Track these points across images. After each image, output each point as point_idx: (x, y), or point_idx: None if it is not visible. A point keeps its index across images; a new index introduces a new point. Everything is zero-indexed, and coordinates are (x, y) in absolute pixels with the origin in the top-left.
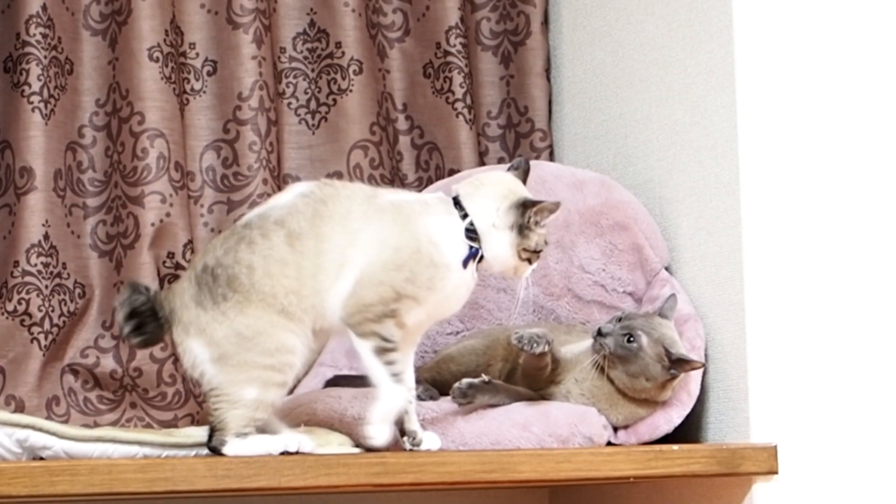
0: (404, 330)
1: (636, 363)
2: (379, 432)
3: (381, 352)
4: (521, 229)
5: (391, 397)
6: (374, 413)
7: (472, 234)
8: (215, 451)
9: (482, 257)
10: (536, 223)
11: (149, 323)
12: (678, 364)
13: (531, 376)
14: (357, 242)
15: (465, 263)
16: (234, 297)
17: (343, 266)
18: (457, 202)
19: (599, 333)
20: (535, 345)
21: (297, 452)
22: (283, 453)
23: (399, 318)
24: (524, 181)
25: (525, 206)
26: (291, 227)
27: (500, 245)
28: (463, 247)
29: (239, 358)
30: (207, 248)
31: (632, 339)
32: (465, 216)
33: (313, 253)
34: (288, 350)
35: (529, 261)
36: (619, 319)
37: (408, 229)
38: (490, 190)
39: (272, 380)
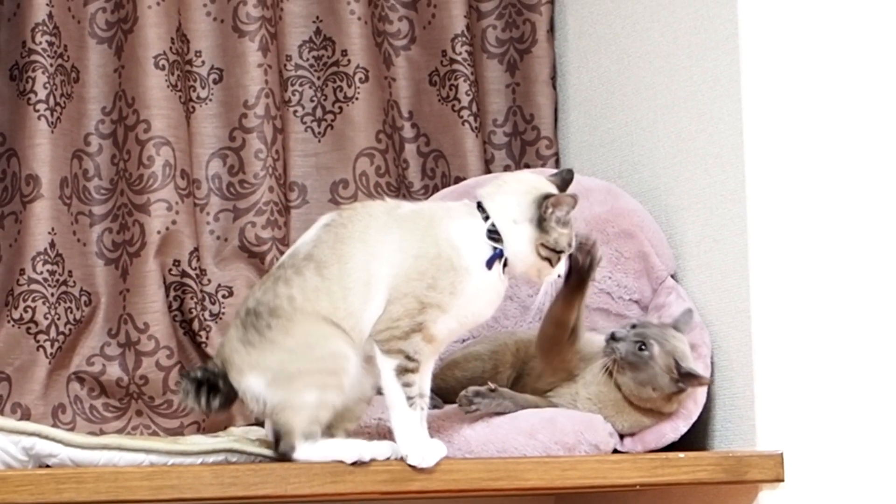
0: (433, 345)
1: (645, 371)
2: (420, 457)
3: (402, 372)
4: (540, 223)
5: (406, 420)
6: (401, 444)
7: (494, 234)
8: (285, 457)
9: (507, 260)
10: (558, 219)
11: (215, 388)
12: (686, 378)
13: (549, 338)
14: (380, 255)
15: (489, 265)
16: (278, 322)
17: (369, 283)
18: (480, 206)
19: (613, 337)
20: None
21: (371, 461)
22: (354, 463)
23: (426, 330)
24: (563, 189)
25: (545, 198)
26: (318, 257)
27: (519, 241)
28: (485, 248)
29: (293, 368)
30: (248, 295)
31: (644, 347)
32: (487, 218)
33: (338, 276)
34: (341, 355)
35: (550, 262)
36: (634, 326)
37: (428, 235)
38: (512, 187)
39: (329, 382)
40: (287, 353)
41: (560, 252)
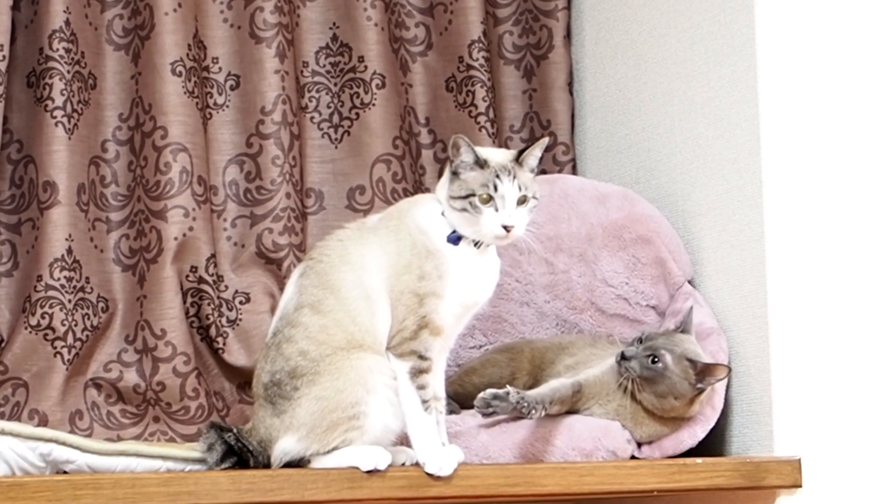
0: (441, 338)
1: (663, 383)
2: (437, 465)
3: (416, 373)
4: (452, 177)
5: (422, 426)
6: (418, 451)
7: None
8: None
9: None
10: (462, 163)
11: (250, 458)
12: (705, 373)
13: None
14: (367, 267)
15: (453, 241)
16: (303, 379)
17: (369, 296)
18: None
19: (623, 357)
20: (532, 411)
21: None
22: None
23: (432, 322)
24: (519, 161)
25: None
26: (309, 301)
27: (445, 205)
28: (446, 227)
29: (326, 422)
30: (256, 377)
31: (656, 359)
32: None
33: (338, 305)
34: (359, 401)
35: (467, 211)
36: (641, 340)
37: (401, 230)
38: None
39: (353, 426)
40: (316, 401)
41: (468, 196)
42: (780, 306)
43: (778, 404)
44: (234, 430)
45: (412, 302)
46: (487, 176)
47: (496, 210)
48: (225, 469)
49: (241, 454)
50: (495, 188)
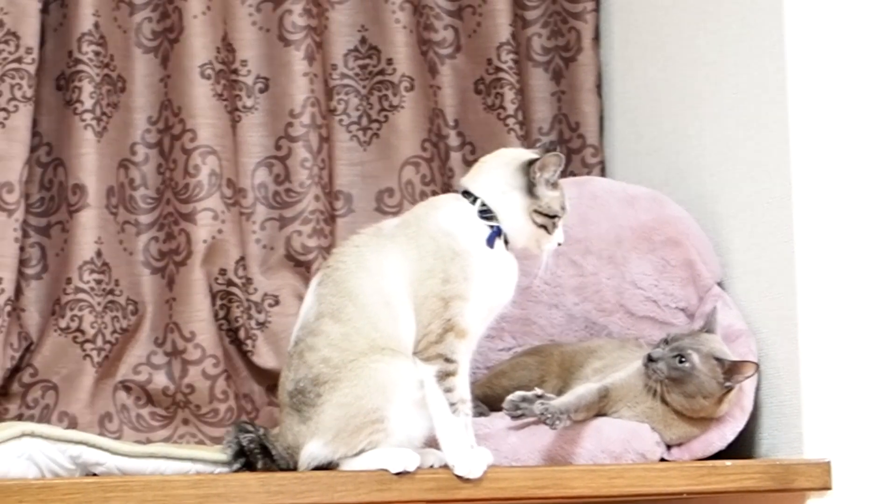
0: (466, 340)
1: (691, 383)
2: (467, 467)
3: (443, 377)
4: (530, 189)
5: (450, 429)
6: (447, 453)
7: (486, 213)
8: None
9: (506, 235)
10: (546, 181)
11: (259, 460)
12: (732, 371)
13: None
14: (386, 273)
15: (490, 243)
16: (325, 386)
17: (389, 303)
18: (466, 192)
19: (650, 359)
20: (557, 422)
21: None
22: (399, 472)
23: (457, 325)
24: None
25: (530, 163)
26: (328, 310)
27: (513, 212)
28: (480, 228)
29: (351, 426)
30: (281, 385)
31: (683, 359)
32: (475, 200)
33: (358, 312)
34: (379, 407)
35: (546, 228)
36: (667, 342)
37: (421, 234)
38: (492, 164)
39: (377, 429)
40: (339, 408)
41: (554, 217)
42: (810, 308)
43: (807, 406)
44: (259, 432)
45: (437, 306)
46: (562, 198)
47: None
48: (236, 471)
49: (250, 456)
50: (564, 209)
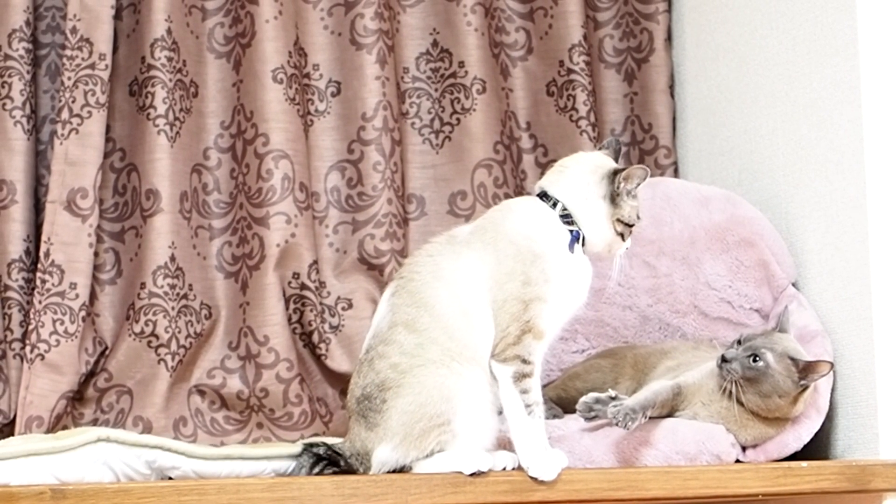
0: (543, 341)
1: (766, 382)
2: (541, 469)
3: (519, 378)
4: (613, 198)
5: (526, 430)
6: (521, 455)
7: (567, 218)
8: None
9: (584, 240)
10: (628, 192)
11: (329, 467)
12: (807, 370)
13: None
14: (463, 282)
15: (571, 247)
16: (390, 392)
17: (467, 312)
18: (544, 195)
19: (724, 360)
20: (629, 423)
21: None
22: (473, 474)
23: (535, 327)
24: (616, 160)
25: (615, 173)
26: (403, 320)
27: (596, 219)
28: (560, 231)
29: (417, 430)
30: (350, 392)
31: (757, 358)
32: (555, 204)
33: (433, 322)
34: (445, 411)
35: (622, 236)
36: (740, 342)
37: (499, 239)
38: (575, 169)
39: (444, 431)
40: (404, 414)
41: (632, 225)
42: (885, 308)
43: (883, 407)
44: (325, 444)
45: (516, 308)
46: (638, 207)
47: None
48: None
49: (331, 458)
50: (639, 218)
